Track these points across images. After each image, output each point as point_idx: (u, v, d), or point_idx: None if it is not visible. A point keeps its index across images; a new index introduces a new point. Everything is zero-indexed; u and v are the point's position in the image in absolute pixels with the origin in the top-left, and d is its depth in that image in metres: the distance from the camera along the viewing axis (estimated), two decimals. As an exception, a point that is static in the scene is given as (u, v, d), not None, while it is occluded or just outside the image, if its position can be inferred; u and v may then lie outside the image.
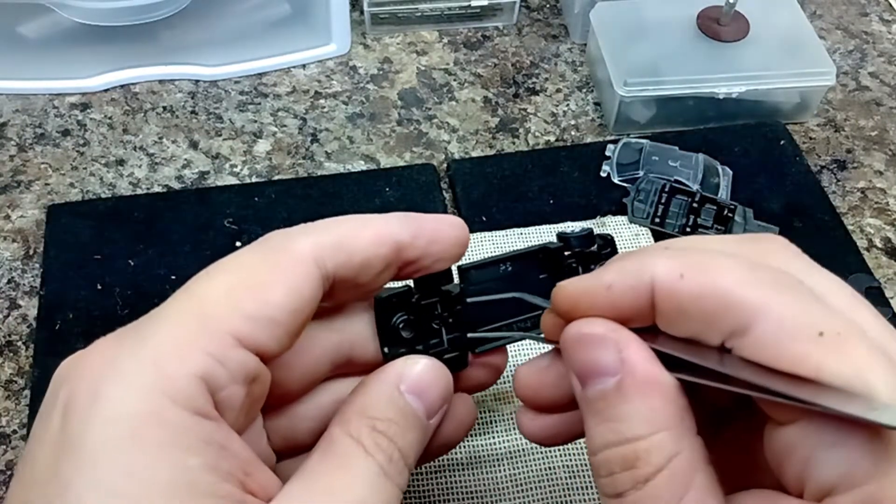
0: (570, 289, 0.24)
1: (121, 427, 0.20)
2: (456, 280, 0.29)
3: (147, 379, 0.21)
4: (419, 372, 0.27)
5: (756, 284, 0.21)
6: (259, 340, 0.23)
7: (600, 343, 0.23)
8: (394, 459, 0.25)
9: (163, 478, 0.20)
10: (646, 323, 0.24)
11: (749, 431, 0.25)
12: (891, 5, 0.66)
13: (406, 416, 0.26)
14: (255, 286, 0.23)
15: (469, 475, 0.38)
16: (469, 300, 0.29)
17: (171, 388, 0.21)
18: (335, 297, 0.26)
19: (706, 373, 0.22)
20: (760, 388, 0.21)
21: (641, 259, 0.23)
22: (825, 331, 0.20)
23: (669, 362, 0.23)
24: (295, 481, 0.23)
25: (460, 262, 0.29)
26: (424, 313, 0.29)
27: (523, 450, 0.39)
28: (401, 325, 0.28)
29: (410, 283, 0.29)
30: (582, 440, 0.27)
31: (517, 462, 0.38)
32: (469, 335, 0.29)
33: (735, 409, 0.26)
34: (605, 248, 0.31)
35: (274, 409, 0.27)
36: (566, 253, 0.30)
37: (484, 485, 0.38)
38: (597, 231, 0.31)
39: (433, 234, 0.27)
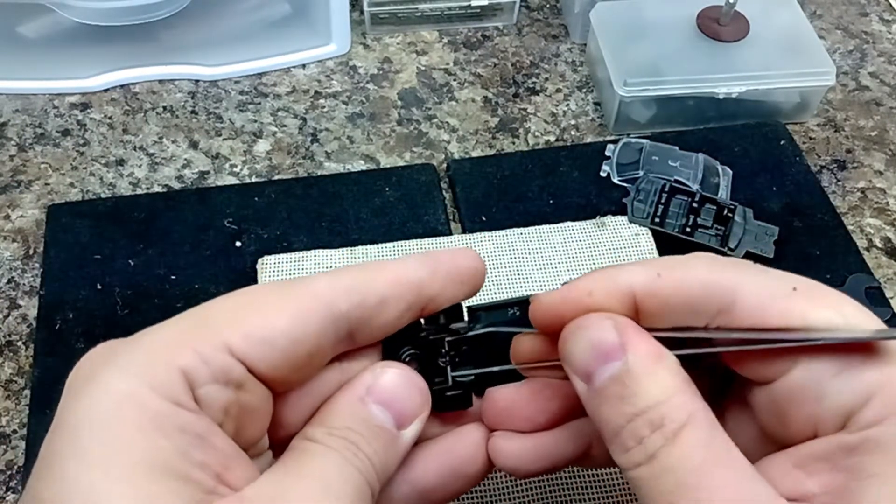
0: (551, 299, 0.26)
1: (104, 406, 0.22)
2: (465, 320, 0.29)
3: (134, 366, 0.22)
4: (386, 381, 0.26)
5: (725, 268, 0.25)
6: (251, 355, 0.23)
7: (600, 329, 0.25)
8: (359, 456, 0.24)
9: (136, 455, 0.21)
10: None
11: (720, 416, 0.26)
12: (891, 5, 0.66)
13: (370, 426, 0.25)
14: (260, 308, 0.24)
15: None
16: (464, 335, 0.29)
17: (150, 375, 0.22)
18: (359, 340, 0.26)
19: (698, 346, 0.25)
20: (758, 341, 0.24)
21: (614, 269, 0.26)
22: (796, 286, 0.24)
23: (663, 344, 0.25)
24: (264, 476, 0.24)
25: (471, 303, 0.29)
26: (431, 350, 0.28)
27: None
28: (407, 360, 0.28)
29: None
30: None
31: (517, 462, 0.38)
32: (452, 374, 0.29)
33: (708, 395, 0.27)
34: None
35: (281, 447, 0.27)
36: None
37: (484, 485, 0.38)
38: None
39: (450, 268, 0.27)
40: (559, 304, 0.26)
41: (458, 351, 0.29)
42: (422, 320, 0.28)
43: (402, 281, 0.26)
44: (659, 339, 0.25)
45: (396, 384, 0.26)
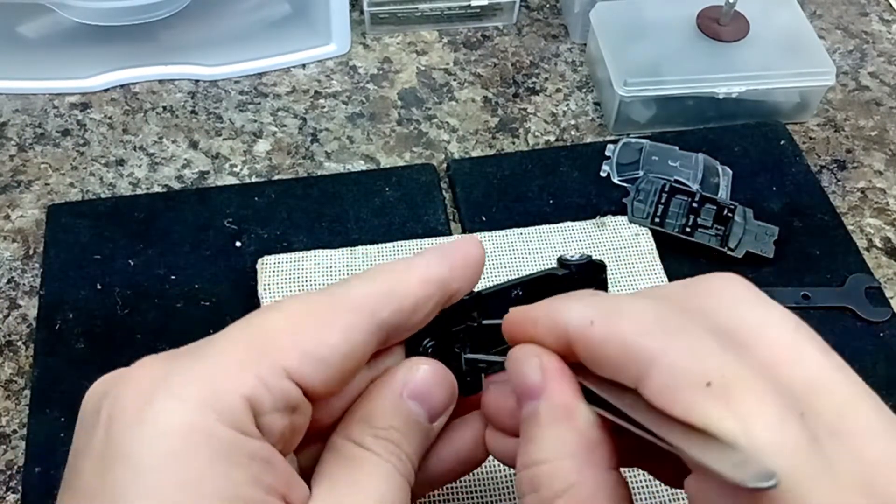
0: (511, 317, 0.26)
1: (172, 440, 0.21)
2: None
3: (198, 394, 0.22)
4: (421, 377, 0.27)
5: (656, 333, 0.22)
6: (307, 376, 0.23)
7: (528, 365, 0.24)
8: (403, 460, 0.25)
9: (212, 489, 0.21)
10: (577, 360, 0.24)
11: None
12: (891, 5, 0.66)
13: (409, 422, 0.26)
14: (314, 325, 0.24)
15: (469, 475, 0.38)
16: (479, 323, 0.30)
17: (219, 404, 0.22)
18: (391, 341, 0.27)
19: (621, 412, 0.22)
20: (654, 435, 0.21)
21: (565, 302, 0.24)
22: (713, 380, 0.20)
23: (595, 398, 0.23)
24: (318, 488, 0.24)
25: (478, 288, 0.30)
26: (449, 339, 0.29)
27: (523, 450, 0.39)
28: (429, 351, 0.29)
29: None
30: None
31: (517, 462, 0.38)
32: (465, 356, 0.30)
33: None
34: (601, 274, 0.31)
35: (307, 441, 0.27)
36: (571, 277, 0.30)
37: (484, 485, 0.38)
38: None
39: (464, 260, 0.28)
40: (514, 324, 0.26)
41: (469, 336, 0.29)
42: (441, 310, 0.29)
43: (430, 281, 0.26)
44: (590, 389, 0.23)
45: (429, 380, 0.27)
